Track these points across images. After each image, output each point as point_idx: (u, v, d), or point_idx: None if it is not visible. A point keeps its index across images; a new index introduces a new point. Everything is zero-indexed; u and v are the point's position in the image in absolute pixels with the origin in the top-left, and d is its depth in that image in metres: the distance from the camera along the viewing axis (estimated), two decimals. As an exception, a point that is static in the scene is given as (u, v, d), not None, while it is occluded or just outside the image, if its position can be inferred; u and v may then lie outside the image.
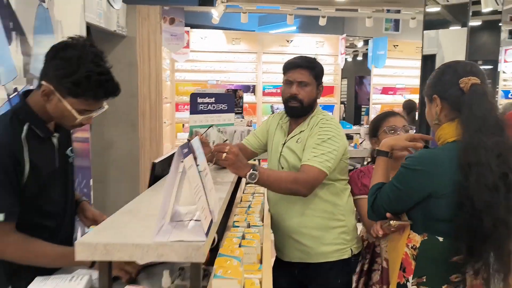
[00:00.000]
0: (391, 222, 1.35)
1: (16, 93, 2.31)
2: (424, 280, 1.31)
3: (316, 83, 1.79)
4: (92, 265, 1.23)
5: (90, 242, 0.87)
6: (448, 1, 4.19)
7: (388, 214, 1.37)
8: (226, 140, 2.03)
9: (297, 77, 1.76)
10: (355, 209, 1.85)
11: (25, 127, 1.26)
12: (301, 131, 1.79)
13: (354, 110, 9.14)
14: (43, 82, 1.25)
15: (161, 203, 0.93)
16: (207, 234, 0.91)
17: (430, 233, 1.30)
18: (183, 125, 6.03)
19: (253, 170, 1.52)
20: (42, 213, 1.32)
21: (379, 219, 1.41)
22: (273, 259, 1.96)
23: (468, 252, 1.22)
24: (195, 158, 1.00)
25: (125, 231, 0.95)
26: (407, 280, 1.34)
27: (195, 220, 1.01)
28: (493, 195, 1.18)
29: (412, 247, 1.33)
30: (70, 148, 1.46)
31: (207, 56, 6.16)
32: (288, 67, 1.80)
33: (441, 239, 1.28)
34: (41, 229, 1.30)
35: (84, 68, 1.21)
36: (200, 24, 6.55)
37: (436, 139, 1.37)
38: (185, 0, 6.22)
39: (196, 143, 1.08)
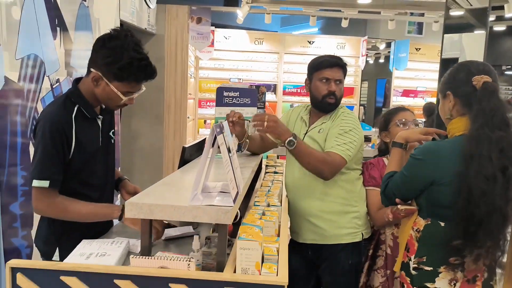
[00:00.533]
0: (399, 206, 1.50)
1: (58, 83, 2.53)
2: (424, 260, 1.44)
3: (344, 81, 1.97)
4: (120, 218, 1.44)
5: (137, 202, 1.04)
6: (471, 5, 4.23)
7: (397, 200, 1.51)
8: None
9: (335, 75, 1.91)
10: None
11: (75, 108, 1.48)
12: (323, 123, 1.94)
13: (374, 112, 9.17)
14: (92, 70, 1.46)
15: (196, 175, 1.09)
16: (234, 201, 1.07)
17: (433, 218, 1.43)
18: (205, 121, 6.23)
19: (293, 137, 1.68)
20: (86, 185, 1.53)
21: (390, 204, 1.56)
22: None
23: (464, 236, 1.34)
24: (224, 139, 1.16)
25: (165, 196, 1.12)
26: (410, 259, 1.48)
27: (222, 192, 1.17)
28: (490, 185, 1.28)
29: (416, 230, 1.47)
30: (112, 131, 1.67)
31: (230, 55, 6.34)
32: (325, 65, 1.92)
33: (442, 224, 1.41)
34: (86, 199, 1.50)
35: (127, 55, 1.41)
36: (224, 24, 6.75)
37: (448, 133, 1.49)
38: (212, 0, 6.42)
39: (226, 126, 1.24)
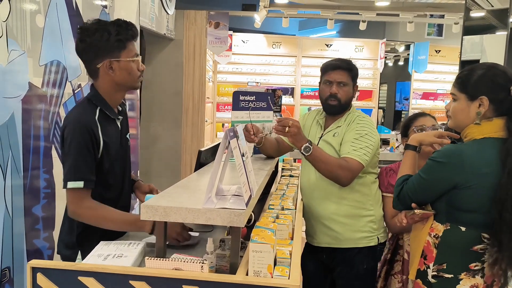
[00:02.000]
0: (416, 211, 1.46)
1: (79, 88, 2.61)
2: (445, 267, 1.41)
3: (353, 84, 1.95)
4: (151, 232, 1.43)
5: (153, 205, 1.07)
6: (492, 6, 4.15)
7: (413, 205, 1.46)
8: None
9: (337, 77, 1.92)
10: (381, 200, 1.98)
11: (97, 110, 1.52)
12: (338, 126, 1.94)
13: (394, 115, 9.05)
14: (98, 65, 1.49)
15: (209, 178, 1.11)
16: (247, 204, 1.08)
17: (453, 223, 1.40)
18: (223, 124, 6.28)
19: (309, 144, 1.71)
20: (106, 186, 1.55)
21: (404, 208, 1.51)
22: (303, 245, 2.11)
23: (498, 244, 1.32)
24: (238, 143, 1.18)
25: (180, 199, 1.15)
26: (428, 267, 1.44)
27: (236, 195, 1.18)
28: None
29: (434, 236, 1.43)
30: (128, 134, 1.71)
31: (248, 59, 6.39)
32: (328, 68, 1.95)
33: (463, 228, 1.38)
34: (104, 200, 1.52)
35: (111, 24, 1.50)
36: (242, 28, 6.80)
37: (464, 136, 1.45)
38: (230, 5, 6.49)
39: (240, 130, 1.26)
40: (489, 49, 4.07)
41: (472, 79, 1.42)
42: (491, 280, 1.39)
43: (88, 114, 1.49)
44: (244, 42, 6.31)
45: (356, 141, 1.82)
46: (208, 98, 5.65)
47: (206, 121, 5.24)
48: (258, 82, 6.28)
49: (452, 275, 1.40)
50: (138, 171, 3.76)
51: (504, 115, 1.39)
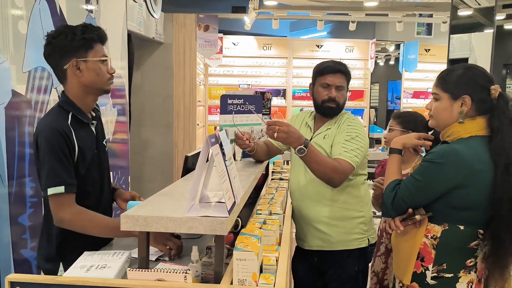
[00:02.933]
0: (416, 216, 1.41)
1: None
2: (445, 267, 1.41)
3: (347, 87, 1.96)
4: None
5: (133, 215, 1.04)
6: (479, 4, 4.17)
7: (410, 210, 1.44)
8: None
9: (337, 81, 1.91)
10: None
11: (70, 115, 1.48)
12: (328, 129, 1.93)
13: (386, 114, 9.08)
14: (65, 66, 1.46)
15: (191, 186, 1.09)
16: (229, 212, 1.06)
17: (451, 223, 1.40)
18: (215, 127, 6.26)
19: (304, 146, 1.68)
20: (84, 193, 1.50)
21: (397, 215, 1.47)
22: (294, 248, 2.09)
23: (496, 241, 1.36)
24: (222, 148, 1.16)
25: (162, 208, 1.12)
26: (426, 269, 1.43)
27: (220, 202, 1.16)
28: None
29: (432, 237, 1.42)
30: (104, 140, 1.67)
31: (239, 61, 6.37)
32: (328, 70, 1.92)
33: (461, 227, 1.39)
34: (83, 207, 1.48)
35: (77, 27, 1.49)
36: (233, 31, 6.79)
37: (446, 135, 1.46)
38: (219, 8, 6.47)
39: (223, 135, 1.24)
40: (477, 47, 4.09)
41: (455, 79, 1.44)
42: (481, 274, 1.43)
43: (60, 119, 1.45)
44: (234, 44, 6.29)
45: (347, 143, 1.81)
46: (199, 101, 5.62)
47: (197, 124, 5.22)
48: (249, 84, 6.26)
49: (452, 274, 1.41)
50: (129, 177, 3.72)
51: (486, 114, 1.42)
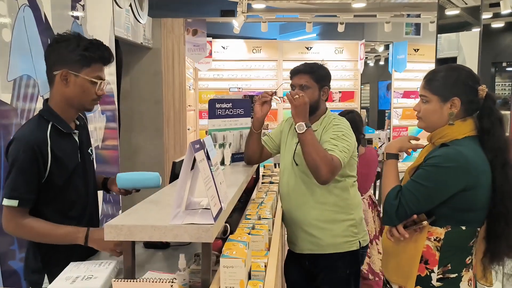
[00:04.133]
0: (423, 222, 1.38)
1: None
2: (449, 267, 1.41)
3: (318, 86, 1.93)
4: (85, 243, 1.41)
5: (117, 224, 1.03)
6: (466, 4, 4.21)
7: (415, 216, 1.40)
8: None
9: (298, 81, 1.94)
10: (362, 203, 1.97)
11: (49, 125, 1.46)
12: (314, 130, 1.92)
13: (378, 114, 9.12)
14: (55, 72, 1.44)
15: (176, 193, 1.08)
16: (215, 219, 1.05)
17: (454, 224, 1.40)
18: (207, 131, 6.22)
19: (306, 124, 1.74)
20: (67, 203, 1.50)
21: (400, 222, 1.42)
22: (286, 252, 2.08)
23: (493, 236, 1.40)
24: (207, 154, 1.14)
25: (147, 216, 1.11)
26: (431, 271, 1.42)
27: (206, 208, 1.15)
28: None
29: (435, 240, 1.41)
30: (90, 148, 1.66)
31: (229, 65, 6.36)
32: (291, 73, 1.99)
33: (464, 227, 1.39)
34: (67, 219, 1.48)
35: (85, 40, 1.47)
36: (223, 34, 6.79)
37: (438, 137, 1.45)
38: (208, 12, 6.46)
39: (208, 141, 1.22)
40: (465, 46, 4.12)
41: (443, 81, 1.43)
42: (475, 271, 1.46)
43: (38, 130, 1.43)
44: (224, 48, 6.28)
45: (334, 141, 1.80)
46: (190, 106, 5.60)
47: (188, 129, 5.19)
48: (240, 88, 6.25)
49: (456, 274, 1.42)
50: (120, 184, 3.69)
51: (473, 115, 1.43)
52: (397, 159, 1.56)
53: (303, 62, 2.01)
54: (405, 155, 1.69)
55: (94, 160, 1.70)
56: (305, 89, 1.91)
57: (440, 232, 1.40)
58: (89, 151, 1.64)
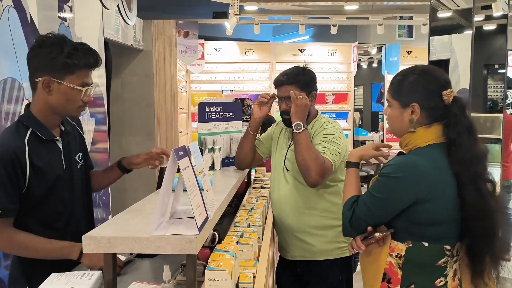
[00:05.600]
0: (376, 234, 1.28)
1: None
2: (413, 287, 1.29)
3: (306, 93, 1.85)
4: (78, 259, 1.37)
5: (96, 236, 0.97)
6: (458, 6, 4.21)
7: (369, 228, 1.31)
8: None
9: (283, 94, 1.89)
10: None
11: (29, 132, 1.38)
12: None
13: (371, 116, 9.12)
14: (38, 79, 1.37)
15: (158, 202, 1.03)
16: (200, 229, 1.00)
17: (414, 240, 1.28)
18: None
19: (303, 125, 1.76)
20: (52, 214, 1.43)
21: (357, 234, 1.35)
22: (277, 258, 2.04)
23: (471, 252, 1.27)
24: (191, 161, 1.10)
25: (128, 227, 1.05)
26: None
27: (191, 217, 1.10)
28: (488, 200, 1.25)
29: (397, 256, 1.30)
30: (78, 155, 1.56)
31: (222, 67, 6.31)
32: (275, 84, 1.94)
33: (426, 244, 1.27)
34: (51, 229, 1.42)
35: (69, 44, 1.38)
36: (215, 36, 6.73)
37: (404, 144, 1.36)
38: (200, 13, 6.41)
39: (193, 147, 1.18)
40: (457, 48, 4.12)
41: (405, 85, 1.34)
42: None
43: (16, 137, 1.36)
44: (216, 50, 6.24)
45: (324, 143, 1.78)
46: (182, 108, 5.54)
47: (180, 132, 5.14)
48: (232, 90, 6.21)
49: None
50: (110, 188, 3.63)
51: (442, 120, 1.31)
52: (358, 168, 1.45)
53: (287, 68, 1.95)
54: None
55: (84, 166, 1.61)
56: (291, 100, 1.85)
57: (401, 248, 1.29)
58: (77, 157, 1.55)
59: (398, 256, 1.30)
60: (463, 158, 1.25)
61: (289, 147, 1.91)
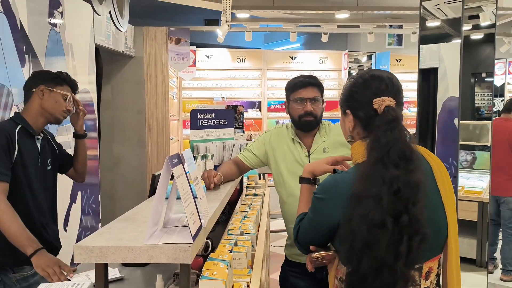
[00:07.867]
0: (313, 254, 1.19)
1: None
2: None
3: (323, 98, 1.92)
4: (30, 256, 1.50)
5: (87, 245, 0.95)
6: (447, 15, 4.28)
7: (312, 247, 1.21)
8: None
9: (309, 94, 1.87)
10: None
11: (19, 126, 1.72)
12: (323, 141, 1.89)
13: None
14: (34, 90, 1.77)
15: (152, 210, 1.01)
16: (194, 237, 0.99)
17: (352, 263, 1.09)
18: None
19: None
20: (31, 207, 1.69)
21: (306, 251, 1.24)
22: (271, 267, 2.00)
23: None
24: (184, 168, 1.08)
25: (121, 235, 1.04)
26: None
27: (184, 226, 1.09)
28: (377, 234, 1.01)
29: (340, 280, 1.18)
30: (49, 160, 1.84)
31: (213, 74, 6.31)
32: (298, 85, 1.89)
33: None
34: (32, 224, 1.63)
35: (56, 72, 1.87)
36: (207, 43, 6.74)
37: (352, 159, 1.20)
38: (191, 21, 6.42)
39: (187, 154, 1.17)
40: (446, 56, 4.18)
41: (344, 91, 1.23)
42: None
43: (8, 126, 1.68)
44: (208, 57, 6.24)
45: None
46: (173, 115, 5.52)
47: (171, 139, 5.11)
48: (224, 97, 6.20)
49: None
50: (100, 195, 3.58)
51: None
52: (310, 183, 1.34)
53: (304, 74, 1.94)
54: None
55: (52, 170, 1.87)
56: (316, 102, 1.86)
57: (343, 271, 1.14)
58: (48, 161, 1.84)
59: (341, 280, 1.18)
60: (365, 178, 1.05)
61: (309, 155, 1.89)
